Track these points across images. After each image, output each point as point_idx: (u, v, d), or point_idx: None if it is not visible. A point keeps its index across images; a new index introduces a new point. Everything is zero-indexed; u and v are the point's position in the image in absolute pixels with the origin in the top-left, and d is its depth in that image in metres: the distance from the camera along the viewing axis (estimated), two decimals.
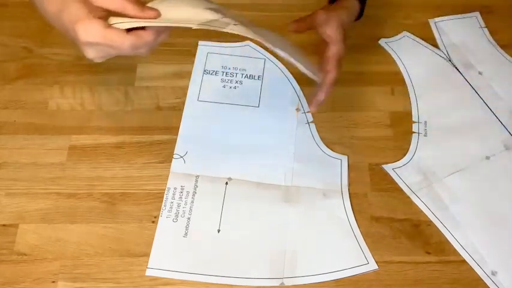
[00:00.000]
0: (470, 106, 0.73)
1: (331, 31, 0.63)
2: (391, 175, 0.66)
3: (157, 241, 0.61)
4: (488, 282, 0.59)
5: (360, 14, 0.71)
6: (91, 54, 0.50)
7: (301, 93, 0.73)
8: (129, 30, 0.48)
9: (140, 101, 0.72)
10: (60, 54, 0.77)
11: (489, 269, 0.59)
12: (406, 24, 0.81)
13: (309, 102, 0.66)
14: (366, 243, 0.61)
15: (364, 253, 0.60)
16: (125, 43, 0.48)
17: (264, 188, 0.65)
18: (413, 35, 0.80)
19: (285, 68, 0.75)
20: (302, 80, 0.74)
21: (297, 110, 0.72)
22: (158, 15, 0.50)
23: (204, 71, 0.75)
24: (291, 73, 0.75)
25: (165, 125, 0.70)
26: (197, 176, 0.66)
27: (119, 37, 0.48)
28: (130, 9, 0.49)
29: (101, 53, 0.50)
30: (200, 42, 0.78)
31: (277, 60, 0.76)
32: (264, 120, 0.71)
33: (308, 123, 0.70)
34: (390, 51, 0.78)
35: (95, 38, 0.48)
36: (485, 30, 0.81)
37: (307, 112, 0.71)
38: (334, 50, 0.63)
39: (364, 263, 0.60)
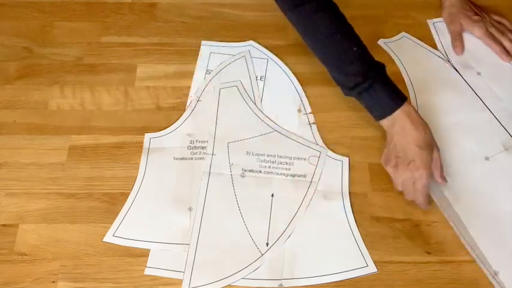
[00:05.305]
0: (469, 107, 0.73)
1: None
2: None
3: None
4: (491, 281, 0.59)
5: None
6: (392, 173, 0.63)
7: (303, 94, 0.73)
8: None
9: (140, 101, 0.73)
10: (60, 54, 0.77)
11: (491, 269, 0.59)
12: (405, 25, 0.81)
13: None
14: (366, 245, 0.61)
15: (363, 256, 0.60)
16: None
17: None
18: (412, 35, 0.80)
19: (287, 68, 0.76)
20: (304, 81, 0.74)
21: (299, 111, 0.72)
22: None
23: (207, 70, 0.75)
24: (294, 74, 0.75)
25: (165, 125, 0.70)
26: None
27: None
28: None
29: (394, 176, 0.64)
30: (203, 42, 0.78)
31: (280, 61, 0.76)
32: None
33: (310, 124, 0.70)
34: (389, 52, 0.78)
35: (416, 186, 0.62)
36: None
37: (309, 113, 0.71)
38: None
39: (363, 266, 0.60)
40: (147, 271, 0.59)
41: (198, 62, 0.76)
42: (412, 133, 0.62)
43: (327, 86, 0.74)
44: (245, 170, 0.66)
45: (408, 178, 0.61)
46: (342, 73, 0.65)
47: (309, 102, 0.72)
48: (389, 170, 0.63)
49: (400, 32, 0.80)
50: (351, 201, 0.64)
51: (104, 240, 0.61)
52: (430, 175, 0.61)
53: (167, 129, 0.69)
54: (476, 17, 0.78)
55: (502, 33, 0.77)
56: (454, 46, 0.78)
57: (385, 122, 0.64)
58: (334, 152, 0.68)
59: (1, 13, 0.81)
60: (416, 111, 0.63)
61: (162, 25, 0.81)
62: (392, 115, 0.63)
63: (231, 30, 0.80)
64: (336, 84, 0.67)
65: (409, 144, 0.61)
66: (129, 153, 0.68)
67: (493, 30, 0.77)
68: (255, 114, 0.71)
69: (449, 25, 0.80)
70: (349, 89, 0.65)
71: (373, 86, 0.62)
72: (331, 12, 0.65)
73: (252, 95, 0.73)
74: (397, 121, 0.62)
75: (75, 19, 0.81)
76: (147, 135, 0.69)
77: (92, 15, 0.81)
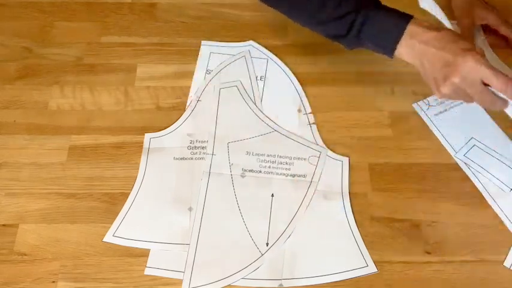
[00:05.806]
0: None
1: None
2: None
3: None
4: None
5: None
6: (447, 90, 0.54)
7: (303, 94, 0.73)
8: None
9: (140, 101, 0.73)
10: (60, 54, 0.77)
11: None
12: None
13: None
14: (366, 245, 0.61)
15: (363, 256, 0.60)
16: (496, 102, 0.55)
17: None
18: None
19: (287, 68, 0.75)
20: (304, 81, 0.74)
21: (299, 111, 0.72)
22: None
23: (207, 70, 0.75)
24: (294, 74, 0.75)
25: (165, 125, 0.70)
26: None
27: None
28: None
29: (456, 95, 0.55)
30: (203, 42, 0.78)
31: (280, 61, 0.76)
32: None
33: (310, 124, 0.70)
34: None
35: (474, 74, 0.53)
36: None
37: (309, 113, 0.71)
38: None
39: (363, 266, 0.60)
40: (147, 271, 0.59)
41: (198, 62, 0.76)
42: (438, 35, 0.55)
43: (327, 86, 0.74)
44: (245, 170, 0.66)
45: (466, 75, 0.53)
46: (334, 20, 0.60)
47: (309, 102, 0.72)
48: (447, 89, 0.55)
49: None
50: (351, 201, 0.64)
51: (104, 240, 0.61)
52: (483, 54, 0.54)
53: (167, 129, 0.69)
54: (490, 7, 0.77)
55: None
56: None
57: (403, 50, 0.57)
58: (334, 152, 0.68)
59: (1, 13, 0.81)
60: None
61: (162, 25, 0.81)
62: (405, 35, 0.56)
63: (231, 30, 0.80)
64: (334, 41, 0.64)
65: (447, 45, 0.54)
66: (129, 153, 0.68)
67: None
68: (255, 114, 0.71)
69: (461, 18, 0.76)
70: (346, 35, 0.60)
71: (369, 15, 0.57)
72: None
73: (252, 95, 0.73)
74: (416, 36, 0.56)
75: (75, 19, 0.81)
76: (147, 135, 0.69)
77: (92, 15, 0.81)
